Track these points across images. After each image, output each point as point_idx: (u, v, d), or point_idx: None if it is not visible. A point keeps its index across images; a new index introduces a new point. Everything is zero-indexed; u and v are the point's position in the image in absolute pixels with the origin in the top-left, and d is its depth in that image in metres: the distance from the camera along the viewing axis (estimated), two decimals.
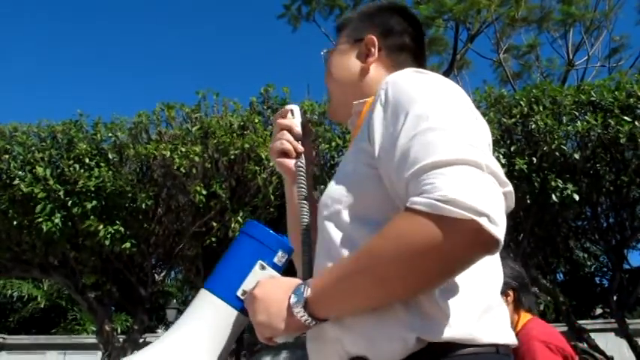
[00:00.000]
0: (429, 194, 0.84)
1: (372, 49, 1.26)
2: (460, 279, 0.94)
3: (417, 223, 0.85)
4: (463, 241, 0.83)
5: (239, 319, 1.05)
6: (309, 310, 0.95)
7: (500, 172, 0.90)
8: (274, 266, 1.07)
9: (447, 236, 0.83)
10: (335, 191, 1.09)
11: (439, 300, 0.92)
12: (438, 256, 0.85)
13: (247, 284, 1.04)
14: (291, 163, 1.27)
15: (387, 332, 0.93)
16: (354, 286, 0.92)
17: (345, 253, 1.00)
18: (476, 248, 0.84)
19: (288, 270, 1.12)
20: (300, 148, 1.28)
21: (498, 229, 0.82)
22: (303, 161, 1.25)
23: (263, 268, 1.06)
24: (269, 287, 1.01)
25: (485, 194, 0.83)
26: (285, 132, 1.29)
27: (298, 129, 1.29)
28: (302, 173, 1.23)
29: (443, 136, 0.90)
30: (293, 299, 0.96)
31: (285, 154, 1.28)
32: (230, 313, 1.05)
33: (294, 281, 1.01)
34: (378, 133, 1.01)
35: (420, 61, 1.30)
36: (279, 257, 1.08)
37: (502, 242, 0.83)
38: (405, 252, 0.87)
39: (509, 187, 0.91)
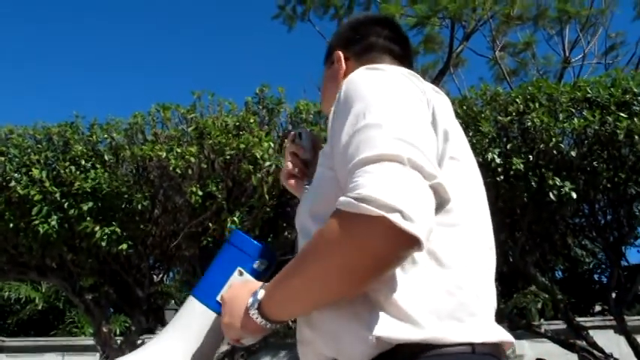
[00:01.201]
0: (350, 192, 0.86)
1: (340, 63, 1.33)
2: (425, 276, 0.95)
3: (335, 222, 0.88)
4: (376, 238, 0.84)
5: (219, 321, 1.10)
6: (262, 312, 1.00)
7: (428, 163, 0.89)
8: (253, 272, 1.14)
9: (362, 234, 0.85)
10: (306, 196, 1.16)
11: (400, 299, 0.93)
12: (358, 254, 0.86)
13: (225, 290, 1.12)
14: (299, 185, 1.34)
15: (351, 333, 0.94)
16: (294, 287, 0.96)
17: None
18: (391, 245, 0.84)
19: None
20: (305, 170, 1.35)
21: (414, 225, 0.82)
22: (309, 184, 1.28)
23: (241, 274, 1.13)
24: (235, 291, 1.07)
25: (401, 190, 0.84)
26: (293, 156, 1.38)
27: (305, 152, 1.37)
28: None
29: (374, 133, 0.91)
30: (249, 302, 1.01)
31: (293, 176, 1.37)
32: (211, 317, 1.12)
33: (258, 285, 1.06)
34: (331, 131, 1.06)
35: (396, 53, 1.33)
36: (258, 264, 1.14)
37: (421, 237, 0.83)
38: (327, 251, 0.90)
39: (437, 180, 0.90)
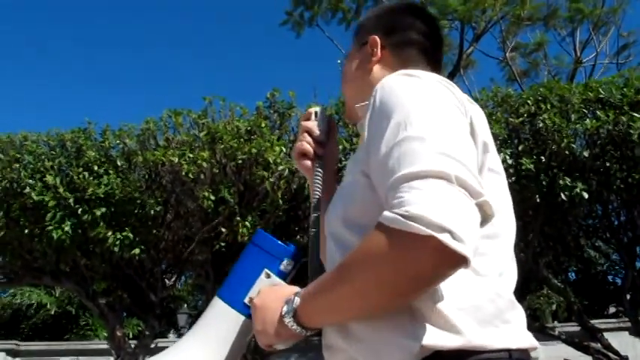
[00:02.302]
0: (396, 209, 0.84)
1: (375, 49, 1.26)
2: (465, 284, 0.95)
3: (382, 238, 0.86)
4: (424, 257, 0.83)
5: (246, 324, 1.09)
6: (298, 319, 0.98)
7: (474, 181, 0.88)
8: (280, 273, 1.11)
9: (409, 252, 0.84)
10: (336, 201, 1.12)
11: (443, 307, 0.93)
12: (405, 272, 0.86)
13: (253, 292, 1.09)
14: (309, 164, 1.30)
15: (392, 341, 0.93)
16: (335, 297, 0.95)
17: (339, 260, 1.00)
18: (439, 264, 0.84)
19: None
20: (320, 150, 1.30)
21: (463, 246, 0.81)
22: (321, 168, 1.28)
23: (268, 276, 1.10)
24: (266, 296, 1.05)
25: (450, 209, 0.83)
26: (306, 134, 1.32)
27: (317, 131, 1.32)
28: (318, 178, 1.26)
29: (417, 147, 0.90)
30: (284, 309, 0.99)
31: (305, 155, 1.32)
32: (237, 319, 1.10)
33: (291, 290, 1.04)
34: (368, 139, 1.02)
35: (431, 55, 1.29)
36: (285, 265, 1.12)
37: (469, 257, 0.83)
38: (372, 266, 0.88)
39: (483, 197, 0.89)
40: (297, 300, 0.99)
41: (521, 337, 1.00)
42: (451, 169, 0.86)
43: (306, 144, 1.31)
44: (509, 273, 1.06)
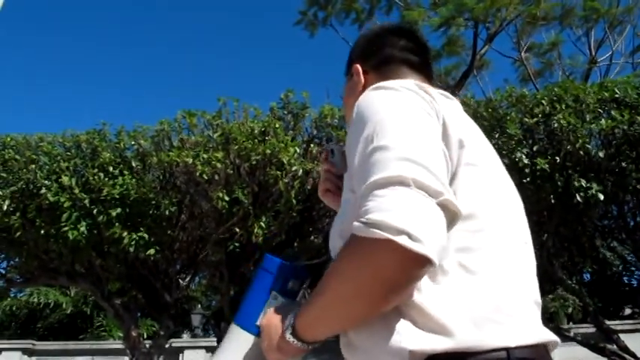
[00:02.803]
0: (361, 217, 0.89)
1: (359, 76, 1.33)
2: (456, 283, 0.97)
3: (350, 247, 0.92)
4: (387, 260, 0.87)
5: (260, 343, 1.16)
6: (296, 334, 1.04)
7: (433, 182, 0.90)
8: (288, 293, 1.19)
9: (373, 257, 0.88)
10: (336, 218, 1.18)
11: (434, 309, 0.95)
12: (371, 277, 0.90)
13: (264, 314, 1.17)
14: (336, 199, 1.35)
15: (385, 348, 0.96)
16: (318, 310, 1.01)
17: None
18: (402, 266, 0.87)
19: None
20: (341, 183, 1.34)
21: (421, 245, 0.84)
22: None
23: (276, 297, 1.17)
24: (271, 316, 1.12)
25: (408, 212, 0.86)
26: (327, 172, 1.41)
27: (337, 167, 1.39)
28: None
29: (381, 156, 0.94)
30: (285, 325, 1.06)
31: (328, 191, 1.40)
32: (252, 341, 1.17)
33: (292, 308, 1.10)
34: (348, 155, 1.09)
35: (416, 65, 1.33)
36: (292, 284, 1.19)
37: (430, 256, 0.85)
38: (347, 274, 0.93)
39: (445, 196, 0.91)
40: (292, 317, 1.05)
41: (526, 333, 0.98)
42: (409, 172, 0.90)
43: (328, 181, 1.40)
44: (510, 265, 1.04)
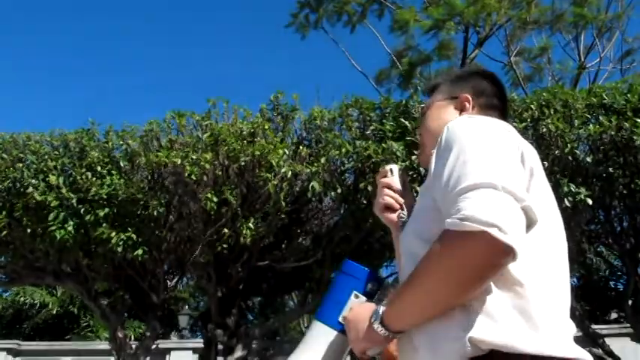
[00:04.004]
0: (454, 215, 1.04)
1: (467, 105, 1.48)
2: (518, 291, 1.09)
3: (445, 240, 1.06)
4: (479, 249, 1.01)
5: (342, 339, 1.29)
6: (385, 324, 1.17)
7: (519, 190, 1.06)
8: (366, 294, 1.32)
9: (465, 247, 1.02)
10: (410, 223, 1.34)
11: (496, 307, 1.07)
12: (463, 265, 1.04)
13: (346, 311, 1.30)
14: (394, 216, 1.48)
15: (447, 334, 1.09)
16: (411, 298, 1.14)
17: None
18: (491, 254, 1.01)
19: None
20: (401, 200, 1.49)
21: (509, 237, 0.99)
22: (405, 213, 1.46)
23: (357, 296, 1.31)
24: (357, 311, 1.26)
25: (496, 209, 1.01)
26: (386, 189, 1.51)
27: (398, 185, 1.51)
28: (404, 224, 1.42)
29: (471, 167, 1.09)
30: (373, 318, 1.19)
31: (388, 208, 1.49)
32: (334, 335, 1.30)
33: (376, 304, 1.23)
34: (434, 169, 1.23)
35: (503, 116, 1.50)
36: (370, 287, 1.33)
37: (516, 248, 1.00)
38: (438, 264, 1.07)
39: (527, 202, 1.06)
40: (382, 308, 1.19)
41: (572, 348, 1.10)
42: (498, 180, 1.05)
43: (389, 198, 1.49)
44: (558, 286, 1.18)
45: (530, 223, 1.08)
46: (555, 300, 1.16)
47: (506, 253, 1.01)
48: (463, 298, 1.07)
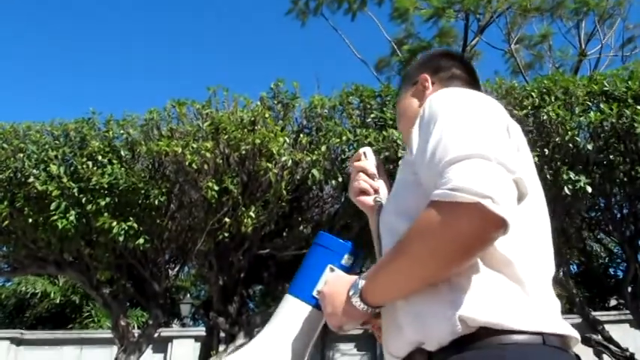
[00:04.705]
0: (444, 186, 0.99)
1: (427, 83, 1.48)
2: (505, 268, 1.07)
3: (433, 212, 1.01)
4: (471, 220, 0.97)
5: (316, 314, 1.24)
6: (364, 298, 1.13)
7: (510, 162, 1.02)
8: (342, 267, 1.26)
9: (458, 218, 0.98)
10: (390, 199, 1.32)
11: (483, 285, 1.05)
12: (455, 237, 0.99)
13: (320, 285, 1.25)
14: (369, 200, 1.44)
15: (437, 314, 1.05)
16: (395, 271, 1.09)
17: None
18: (484, 226, 0.97)
19: None
20: (376, 185, 1.46)
21: (501, 208, 0.95)
22: (381, 196, 1.43)
23: (332, 270, 1.26)
24: (333, 284, 1.20)
25: (489, 180, 0.97)
26: (361, 173, 1.48)
27: (372, 169, 1.48)
28: (380, 207, 1.40)
29: (459, 137, 1.06)
30: (351, 291, 1.14)
31: (363, 192, 1.46)
32: (308, 310, 1.25)
33: (354, 278, 1.19)
34: (415, 142, 1.19)
35: (471, 85, 1.48)
36: (346, 259, 1.28)
37: (507, 219, 0.96)
38: (426, 236, 1.02)
39: (519, 174, 1.03)
40: (362, 281, 1.14)
41: (558, 325, 1.08)
42: (489, 150, 1.01)
43: (364, 182, 1.46)
44: (544, 265, 1.17)
45: (520, 197, 1.05)
46: (541, 275, 1.14)
47: (499, 225, 0.97)
48: (450, 272, 1.04)
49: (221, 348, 8.04)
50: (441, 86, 1.44)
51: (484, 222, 0.96)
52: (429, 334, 1.06)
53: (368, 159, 1.50)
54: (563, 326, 1.09)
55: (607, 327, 7.94)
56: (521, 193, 1.05)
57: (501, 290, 1.05)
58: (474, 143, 1.03)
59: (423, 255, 1.03)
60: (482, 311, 1.02)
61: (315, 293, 1.24)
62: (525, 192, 1.06)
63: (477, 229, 0.98)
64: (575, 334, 1.10)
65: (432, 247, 1.02)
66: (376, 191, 1.44)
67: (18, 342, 14.04)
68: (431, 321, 1.06)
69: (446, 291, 1.05)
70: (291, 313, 1.25)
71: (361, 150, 1.52)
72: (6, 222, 6.65)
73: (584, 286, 14.45)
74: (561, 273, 8.20)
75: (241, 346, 7.60)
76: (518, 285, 1.06)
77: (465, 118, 1.10)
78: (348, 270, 1.26)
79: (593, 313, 8.48)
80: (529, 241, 1.14)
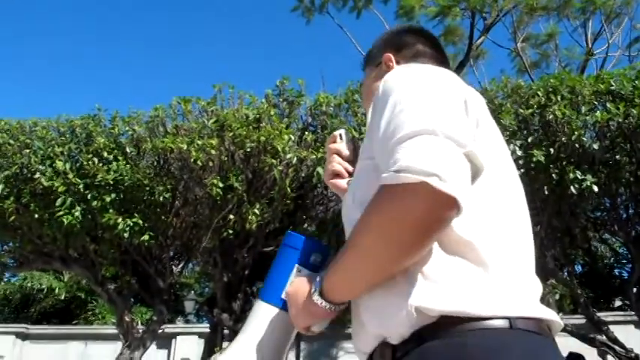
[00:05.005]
0: (390, 168, 0.93)
1: (390, 63, 1.42)
2: (466, 252, 1.00)
3: (382, 196, 0.95)
4: (418, 202, 0.90)
5: (286, 317, 1.19)
6: (325, 296, 1.07)
7: (461, 135, 0.96)
8: (310, 266, 1.21)
9: (404, 201, 0.91)
10: (349, 189, 1.24)
11: (442, 272, 0.98)
12: (402, 222, 0.93)
13: (288, 286, 1.20)
14: (343, 183, 1.38)
15: (394, 305, 1.00)
16: (350, 265, 1.03)
17: None
18: (433, 207, 0.90)
19: None
20: (350, 168, 1.39)
21: (450, 186, 0.88)
22: None
23: (299, 270, 1.21)
24: (297, 284, 1.15)
25: (435, 156, 0.91)
26: (335, 155, 1.42)
27: (347, 151, 1.42)
28: None
29: (409, 115, 0.99)
30: (312, 289, 1.09)
31: (337, 175, 1.40)
32: (278, 314, 1.20)
33: (318, 275, 1.13)
34: (371, 124, 1.14)
35: (439, 61, 1.42)
36: (314, 258, 1.22)
37: (459, 199, 0.89)
38: (375, 224, 0.97)
39: (470, 147, 0.96)
40: (319, 280, 1.08)
41: (528, 307, 1.00)
42: (436, 124, 0.95)
43: (337, 164, 1.40)
44: (516, 247, 1.08)
45: (476, 172, 0.99)
46: (512, 256, 1.06)
47: (450, 205, 0.90)
48: (406, 261, 0.97)
49: (225, 344, 8.06)
50: (406, 64, 1.36)
51: (433, 202, 0.89)
52: (390, 327, 1.01)
53: (344, 141, 1.44)
54: (538, 309, 1.01)
55: (612, 328, 7.90)
56: (475, 167, 0.98)
57: (462, 275, 0.98)
58: (422, 119, 0.97)
59: (373, 246, 0.98)
60: (441, 300, 0.96)
61: (283, 296, 1.19)
62: (481, 166, 1.00)
63: (426, 210, 0.91)
64: (555, 317, 1.03)
65: (381, 236, 0.96)
66: (351, 174, 1.38)
67: (24, 337, 14.12)
68: (390, 314, 1.00)
69: (403, 281, 0.99)
70: (261, 320, 1.20)
71: (337, 132, 1.47)
72: (12, 217, 6.68)
73: (588, 286, 14.43)
74: (566, 273, 8.18)
75: None
76: (481, 268, 0.99)
77: (415, 95, 1.04)
78: (318, 269, 1.21)
79: (598, 314, 8.45)
80: (494, 219, 1.06)
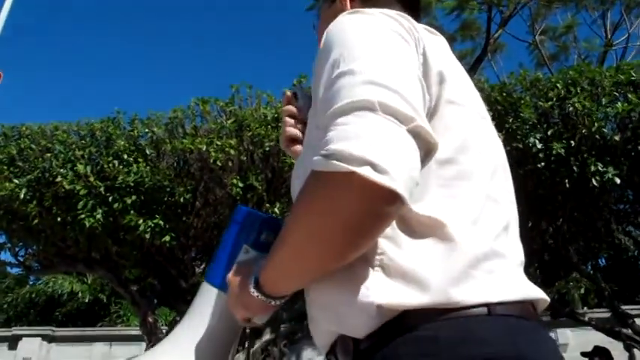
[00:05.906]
0: (321, 150, 0.77)
1: (344, 2, 1.20)
2: (433, 233, 0.86)
3: (309, 184, 0.80)
4: (349, 196, 0.75)
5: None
6: (262, 289, 0.92)
7: (403, 106, 0.78)
8: (260, 246, 1.04)
9: (337, 194, 0.76)
10: (295, 167, 1.07)
11: (406, 260, 0.84)
12: (332, 218, 0.78)
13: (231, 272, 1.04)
14: (300, 148, 1.17)
15: (350, 303, 0.86)
16: (280, 260, 0.88)
17: None
18: (367, 203, 0.75)
19: None
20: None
21: (387, 177, 0.73)
22: None
23: (247, 251, 1.04)
24: (237, 271, 0.99)
25: (371, 140, 0.74)
26: (289, 118, 1.24)
27: (302, 112, 1.21)
28: None
29: (346, 81, 0.83)
30: (250, 280, 0.93)
31: (294, 140, 1.22)
32: (223, 298, 1.04)
33: (261, 261, 0.97)
34: (313, 84, 0.98)
35: (403, 5, 1.19)
36: (265, 238, 1.04)
37: (399, 189, 0.73)
38: (303, 218, 0.81)
39: (417, 122, 0.79)
40: (258, 270, 0.93)
41: (508, 289, 0.87)
42: (375, 95, 0.78)
43: (292, 128, 1.22)
44: (492, 218, 0.93)
45: (428, 149, 0.83)
46: (488, 225, 0.91)
47: (388, 199, 0.74)
48: (344, 258, 0.82)
49: (246, 344, 8.09)
50: (361, 4, 1.15)
51: (366, 196, 0.74)
52: (345, 326, 0.88)
53: (299, 100, 1.24)
54: (519, 289, 0.88)
55: (637, 321, 7.81)
56: (425, 143, 0.81)
57: (429, 260, 0.84)
58: (361, 88, 0.80)
59: (302, 246, 0.83)
60: (408, 294, 0.82)
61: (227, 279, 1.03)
62: (432, 141, 0.83)
63: (360, 206, 0.75)
64: (539, 294, 0.91)
65: (309, 234, 0.80)
66: None
67: (50, 339, 14.33)
68: (344, 312, 0.86)
69: (361, 273, 0.85)
70: (205, 305, 1.06)
71: (289, 91, 1.26)
72: (35, 221, 6.77)
73: (613, 279, 14.24)
74: (590, 267, 8.09)
75: (267, 341, 7.64)
76: (451, 248, 0.85)
77: (357, 54, 0.86)
78: (269, 248, 0.98)
79: (623, 307, 8.35)
80: (465, 186, 0.91)
